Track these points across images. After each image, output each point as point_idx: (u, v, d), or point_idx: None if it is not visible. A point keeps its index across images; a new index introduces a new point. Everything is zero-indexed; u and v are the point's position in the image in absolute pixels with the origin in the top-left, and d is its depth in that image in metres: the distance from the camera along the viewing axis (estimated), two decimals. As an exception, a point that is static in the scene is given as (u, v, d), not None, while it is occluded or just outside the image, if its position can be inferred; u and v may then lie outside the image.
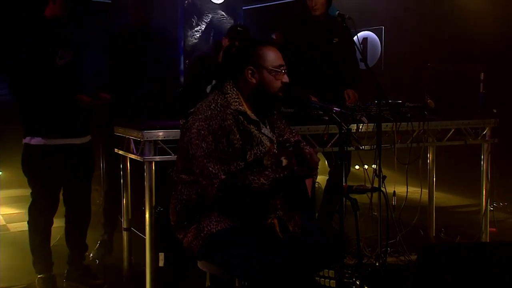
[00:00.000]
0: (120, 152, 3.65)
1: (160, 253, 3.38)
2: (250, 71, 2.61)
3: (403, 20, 6.76)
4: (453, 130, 4.03)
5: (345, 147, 2.80)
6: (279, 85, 2.62)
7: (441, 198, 5.79)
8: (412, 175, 3.79)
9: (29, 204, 3.58)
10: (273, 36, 5.40)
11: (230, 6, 7.00)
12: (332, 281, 3.36)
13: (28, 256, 3.66)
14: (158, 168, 3.33)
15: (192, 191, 2.59)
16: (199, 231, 2.56)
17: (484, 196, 4.20)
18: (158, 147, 3.27)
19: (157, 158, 3.27)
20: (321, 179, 4.94)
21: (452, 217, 5.37)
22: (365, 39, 7.23)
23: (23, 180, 3.63)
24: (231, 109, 2.56)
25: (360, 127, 3.59)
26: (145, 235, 3.31)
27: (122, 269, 3.80)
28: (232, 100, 2.59)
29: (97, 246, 4.25)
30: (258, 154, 2.56)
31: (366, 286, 3.37)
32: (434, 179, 4.49)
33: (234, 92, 2.62)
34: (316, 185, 4.82)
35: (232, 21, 6.85)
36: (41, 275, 3.59)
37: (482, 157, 4.17)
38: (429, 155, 4.45)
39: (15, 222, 5.20)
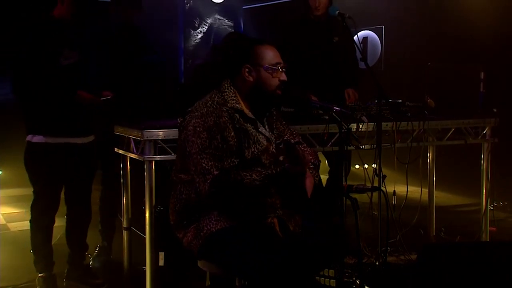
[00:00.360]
0: (120, 151, 3.65)
1: (160, 253, 3.38)
2: (247, 70, 2.61)
3: (403, 20, 6.76)
4: (453, 129, 4.03)
5: (345, 147, 2.79)
6: (277, 82, 2.62)
7: (441, 197, 5.79)
8: (412, 174, 3.79)
9: (30, 203, 3.58)
10: None
11: (230, 6, 7.01)
12: (332, 280, 3.35)
13: (28, 255, 3.66)
14: (158, 168, 3.34)
15: (191, 190, 2.59)
16: (198, 231, 2.56)
17: (484, 196, 4.20)
18: (158, 146, 3.27)
19: (157, 157, 3.27)
20: (321, 179, 4.92)
21: (452, 216, 5.38)
22: (365, 39, 7.22)
23: (23, 180, 3.64)
24: (227, 107, 2.57)
25: (360, 127, 3.59)
26: (145, 235, 3.31)
27: (122, 269, 3.79)
28: (229, 98, 2.59)
29: (96, 253, 4.16)
30: (255, 153, 2.57)
31: (366, 285, 3.36)
32: (434, 178, 4.49)
33: (232, 90, 2.63)
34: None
35: (232, 24, 6.85)
36: (41, 274, 3.59)
37: (482, 156, 4.17)
38: (429, 155, 4.45)
39: (15, 222, 5.21)
